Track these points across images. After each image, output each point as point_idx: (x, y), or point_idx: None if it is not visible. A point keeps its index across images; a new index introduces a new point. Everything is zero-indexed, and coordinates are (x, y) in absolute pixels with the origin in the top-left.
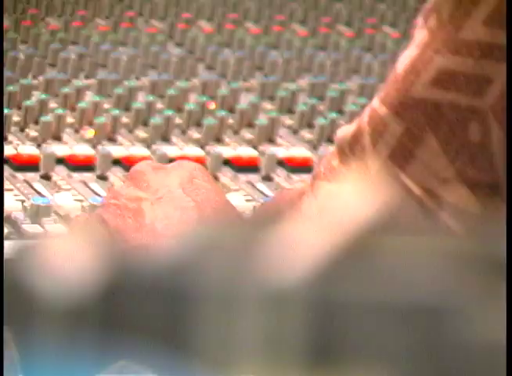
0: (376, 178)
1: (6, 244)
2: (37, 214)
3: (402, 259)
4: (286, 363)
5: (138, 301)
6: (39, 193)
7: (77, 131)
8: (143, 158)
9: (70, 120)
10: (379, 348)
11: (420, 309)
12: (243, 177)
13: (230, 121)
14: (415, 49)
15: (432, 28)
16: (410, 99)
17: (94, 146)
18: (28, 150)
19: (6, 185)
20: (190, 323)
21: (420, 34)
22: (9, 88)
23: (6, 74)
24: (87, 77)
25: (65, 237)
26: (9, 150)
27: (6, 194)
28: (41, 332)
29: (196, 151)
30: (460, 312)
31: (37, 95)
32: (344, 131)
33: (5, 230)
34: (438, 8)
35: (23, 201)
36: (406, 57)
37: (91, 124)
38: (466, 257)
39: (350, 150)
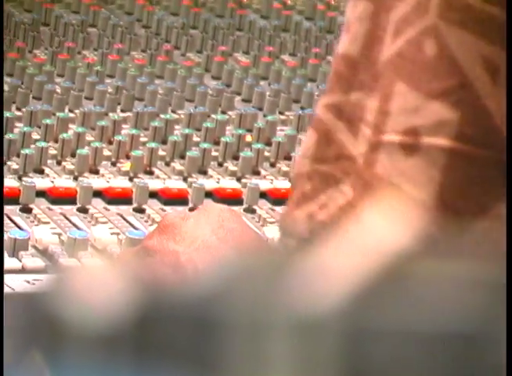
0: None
1: (43, 276)
2: (74, 247)
3: (434, 286)
4: None
5: (177, 331)
6: (76, 226)
7: (113, 164)
8: (180, 191)
9: (106, 153)
10: (410, 374)
11: (454, 336)
12: (280, 209)
13: (267, 153)
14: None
15: None
16: None
17: (131, 179)
18: (65, 182)
19: (43, 218)
20: (222, 352)
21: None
22: (45, 122)
23: (44, 106)
24: (123, 110)
25: (99, 270)
26: (45, 183)
27: (43, 227)
28: (74, 362)
29: (233, 184)
30: (494, 340)
31: (73, 129)
32: None
33: (43, 264)
34: None
35: (60, 234)
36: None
37: (128, 157)
38: (496, 283)
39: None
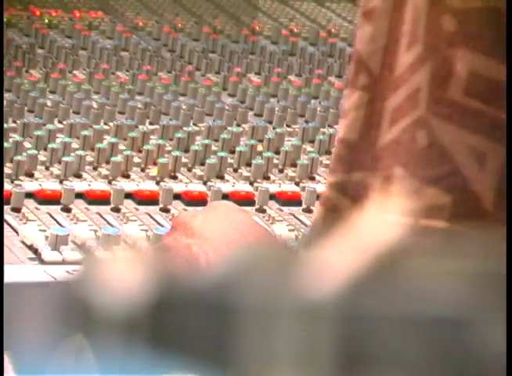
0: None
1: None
2: (107, 242)
3: (422, 277)
4: (318, 368)
5: (188, 314)
6: (110, 223)
7: (143, 170)
8: (200, 193)
9: (136, 160)
10: (399, 355)
11: (441, 321)
12: (287, 209)
13: (275, 161)
14: None
15: None
16: None
17: (157, 183)
18: (100, 186)
19: (81, 217)
20: (232, 334)
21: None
22: (83, 133)
23: (82, 119)
24: (151, 123)
25: (122, 262)
26: (83, 186)
27: (81, 225)
28: (98, 343)
29: (246, 187)
30: (475, 325)
31: (108, 139)
32: None
33: (80, 256)
34: None
35: (95, 231)
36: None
37: (155, 163)
38: (479, 274)
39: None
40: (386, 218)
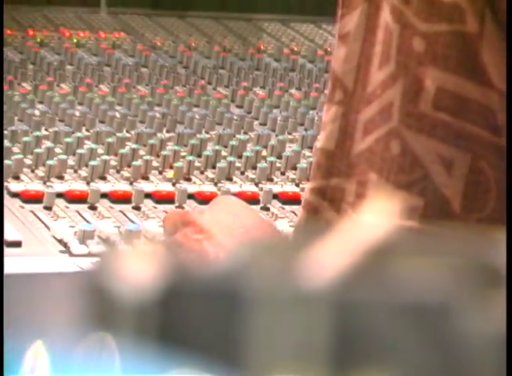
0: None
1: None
2: (129, 237)
3: (410, 267)
4: (316, 352)
5: (196, 302)
6: (131, 220)
7: (160, 172)
8: (211, 194)
9: (155, 164)
10: (388, 339)
11: (423, 308)
12: (288, 208)
13: (278, 164)
14: None
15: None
16: None
17: (173, 184)
18: (122, 187)
19: (106, 214)
20: (236, 320)
21: None
22: (108, 140)
23: (107, 128)
24: (168, 131)
25: (137, 254)
26: (107, 187)
27: (106, 221)
28: (114, 328)
29: (252, 188)
30: (455, 312)
31: (129, 145)
32: None
33: (104, 249)
34: None
35: (118, 227)
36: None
37: (171, 167)
38: (460, 266)
39: None
40: (365, 219)
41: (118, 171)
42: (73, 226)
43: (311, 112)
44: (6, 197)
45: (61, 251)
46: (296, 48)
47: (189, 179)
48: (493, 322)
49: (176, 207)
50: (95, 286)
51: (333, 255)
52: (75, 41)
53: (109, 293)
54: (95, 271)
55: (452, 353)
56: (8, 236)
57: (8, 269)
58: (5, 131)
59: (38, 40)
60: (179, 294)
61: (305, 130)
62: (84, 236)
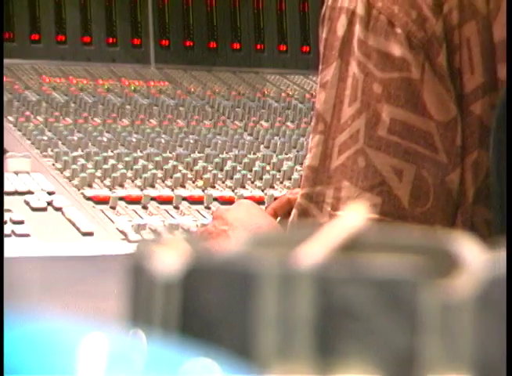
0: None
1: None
2: (171, 229)
3: (379, 249)
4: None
5: (215, 277)
6: (172, 217)
7: (193, 182)
8: (230, 197)
9: (189, 176)
10: (362, 307)
11: (391, 282)
12: None
13: (278, 176)
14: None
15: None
16: None
17: (203, 191)
18: (166, 192)
19: (154, 212)
20: (246, 292)
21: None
22: (156, 158)
23: (157, 150)
24: (199, 152)
25: (173, 240)
26: (155, 193)
27: (154, 217)
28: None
29: (259, 193)
30: (415, 285)
31: (171, 162)
32: None
33: (151, 237)
34: None
35: (163, 221)
36: None
37: (201, 178)
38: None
39: None
40: (342, 215)
41: (163, 181)
42: (130, 221)
43: (301, 138)
44: (82, 199)
45: (122, 239)
46: (290, 93)
47: (213, 187)
48: (447, 293)
49: (205, 207)
50: (137, 264)
51: (317, 243)
52: (132, 88)
53: (147, 270)
54: (136, 253)
55: (412, 319)
56: (83, 228)
57: (84, 252)
58: (81, 152)
59: (106, 87)
60: (205, 270)
61: (297, 151)
62: (139, 228)
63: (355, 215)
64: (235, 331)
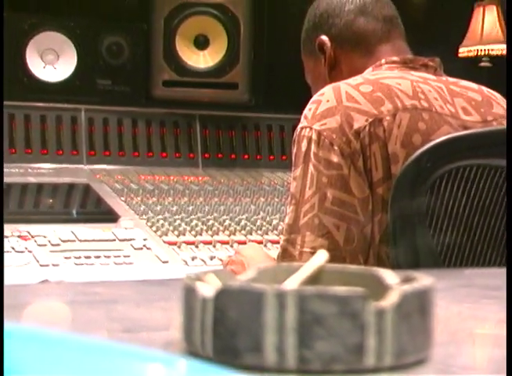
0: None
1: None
2: (211, 259)
3: (335, 275)
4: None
5: (236, 295)
6: (211, 251)
7: (223, 231)
8: (244, 241)
9: (221, 228)
10: (326, 316)
11: (343, 298)
12: (277, 245)
13: (270, 228)
14: None
15: None
16: None
17: (228, 236)
18: (207, 238)
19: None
20: (254, 306)
21: None
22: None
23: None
24: (226, 215)
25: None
26: (201, 238)
27: (202, 252)
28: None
29: (260, 238)
30: (359, 300)
31: (231, 225)
32: None
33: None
34: None
35: (207, 254)
36: None
37: (227, 229)
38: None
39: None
40: (307, 252)
41: (206, 231)
42: (188, 254)
43: (282, 207)
44: (162, 243)
45: (184, 265)
46: (276, 182)
47: (234, 235)
48: (380, 304)
49: (230, 246)
50: (187, 287)
51: (297, 275)
52: (189, 180)
53: (193, 290)
54: (186, 279)
55: (361, 321)
56: (162, 258)
57: (163, 275)
58: (161, 216)
59: (175, 180)
60: (229, 292)
61: (280, 214)
62: (193, 259)
63: (317, 256)
64: (249, 331)
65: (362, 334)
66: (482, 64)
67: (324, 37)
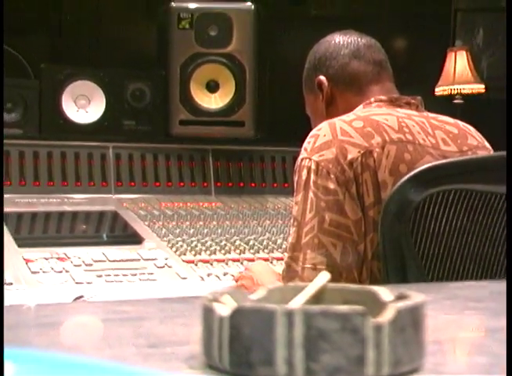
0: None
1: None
2: (224, 275)
3: (336, 292)
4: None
5: (248, 313)
6: (224, 268)
7: (235, 250)
8: (252, 258)
9: (232, 248)
10: (330, 330)
11: (344, 314)
12: (281, 262)
13: (275, 247)
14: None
15: None
16: None
17: (239, 254)
18: (220, 256)
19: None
20: (265, 323)
21: None
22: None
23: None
24: (237, 236)
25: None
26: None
27: (217, 269)
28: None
29: (266, 255)
30: (364, 319)
31: (240, 246)
32: None
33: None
34: None
35: (221, 271)
36: None
37: (238, 248)
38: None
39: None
40: (309, 268)
41: (219, 251)
42: (204, 271)
43: (285, 228)
44: (181, 261)
45: (201, 281)
46: (279, 206)
47: (244, 253)
48: (377, 320)
49: (240, 263)
50: (205, 305)
51: (302, 295)
52: (204, 206)
53: (211, 309)
54: (205, 298)
55: (361, 335)
56: (182, 275)
57: (182, 290)
58: (180, 238)
59: (191, 206)
60: (240, 310)
61: (284, 234)
62: (208, 276)
63: (320, 277)
64: (262, 346)
65: (363, 347)
66: (456, 101)
67: (322, 77)
